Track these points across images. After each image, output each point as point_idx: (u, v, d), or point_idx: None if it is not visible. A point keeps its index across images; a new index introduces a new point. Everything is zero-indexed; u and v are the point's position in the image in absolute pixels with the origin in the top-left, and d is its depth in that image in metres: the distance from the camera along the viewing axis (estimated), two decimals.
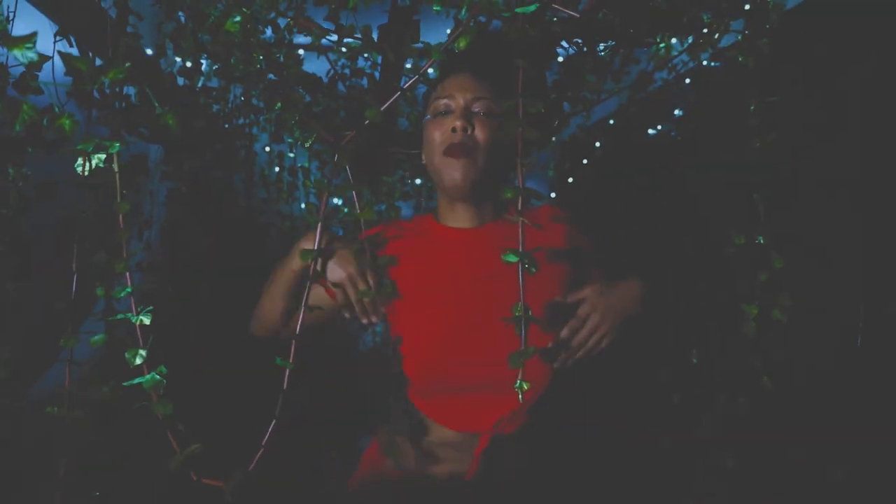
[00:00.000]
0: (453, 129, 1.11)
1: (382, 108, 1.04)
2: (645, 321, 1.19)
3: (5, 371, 0.93)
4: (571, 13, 0.94)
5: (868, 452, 1.30)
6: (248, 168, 2.63)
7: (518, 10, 0.86)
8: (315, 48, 1.49)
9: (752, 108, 1.46)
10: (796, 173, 1.46)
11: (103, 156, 0.92)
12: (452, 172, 1.12)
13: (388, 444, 1.19)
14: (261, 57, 1.73)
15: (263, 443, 1.00)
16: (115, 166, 0.92)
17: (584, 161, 2.51)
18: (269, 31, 1.62)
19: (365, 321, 1.16)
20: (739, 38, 1.54)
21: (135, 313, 0.96)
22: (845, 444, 1.31)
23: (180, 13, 1.76)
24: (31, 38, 0.71)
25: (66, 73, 0.78)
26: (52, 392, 1.18)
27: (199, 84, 2.05)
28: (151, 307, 0.98)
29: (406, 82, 1.06)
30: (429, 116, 1.17)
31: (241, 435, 1.10)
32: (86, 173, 0.96)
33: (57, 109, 0.77)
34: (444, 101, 1.14)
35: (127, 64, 0.89)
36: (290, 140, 2.48)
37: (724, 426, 1.41)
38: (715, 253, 1.58)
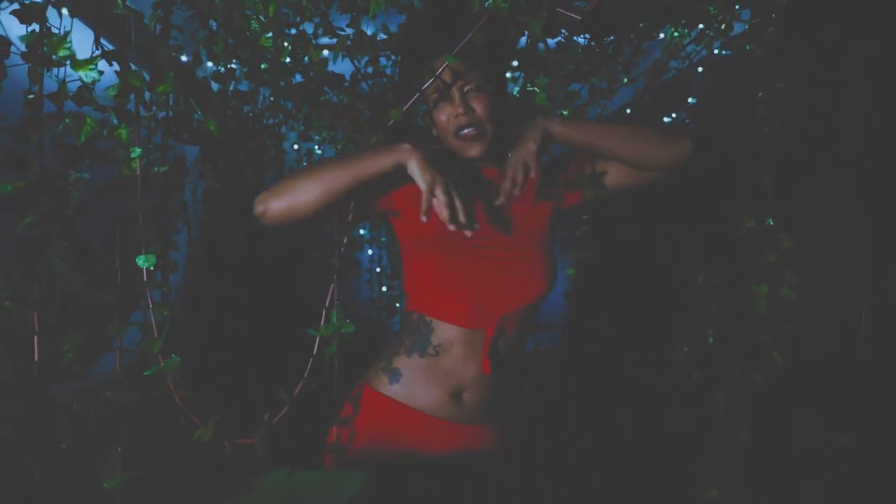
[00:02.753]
0: (457, 115, 1.24)
1: (405, 108, 1.15)
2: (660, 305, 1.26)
3: (74, 354, 1.04)
4: (574, 16, 1.01)
5: (872, 420, 1.35)
6: (278, 166, 2.74)
7: (532, 25, 0.94)
8: (340, 48, 1.57)
9: (759, 94, 1.51)
10: (803, 157, 1.50)
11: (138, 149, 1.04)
12: (469, 151, 1.26)
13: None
14: (287, 60, 1.83)
15: (294, 395, 1.12)
16: (163, 168, 1.03)
17: None
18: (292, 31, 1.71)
19: (454, 226, 1.17)
20: (747, 27, 1.59)
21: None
22: (851, 413, 1.37)
23: (212, 21, 1.86)
24: (93, 60, 0.81)
25: (121, 88, 0.88)
26: (108, 376, 1.30)
27: (231, 87, 2.16)
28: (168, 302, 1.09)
29: (424, 85, 1.15)
30: (429, 105, 1.30)
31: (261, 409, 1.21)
32: (129, 173, 1.08)
33: (115, 122, 0.87)
34: (437, 89, 1.26)
35: (171, 74, 0.99)
36: (318, 138, 2.58)
37: (739, 400, 1.47)
38: (726, 235, 1.63)
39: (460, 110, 1.23)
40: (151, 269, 1.14)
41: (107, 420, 1.17)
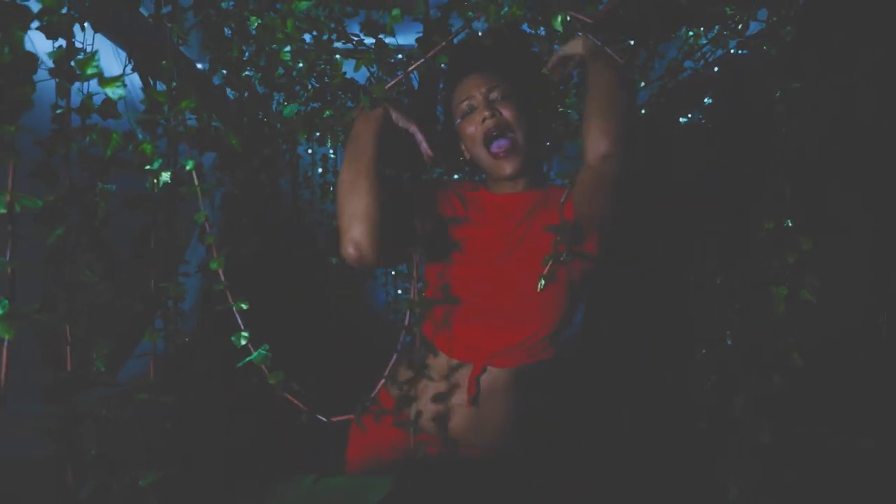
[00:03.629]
0: (483, 119, 1.25)
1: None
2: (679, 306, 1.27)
3: (103, 363, 1.06)
4: (586, 20, 1.02)
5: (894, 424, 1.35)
6: (292, 170, 2.76)
7: (554, 22, 0.95)
8: (356, 55, 1.59)
9: (777, 94, 1.50)
10: (822, 157, 1.50)
11: (169, 173, 1.07)
12: (504, 168, 1.27)
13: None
14: (300, 65, 1.85)
15: (385, 373, 1.21)
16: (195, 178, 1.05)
17: None
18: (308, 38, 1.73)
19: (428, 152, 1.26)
20: (763, 26, 1.59)
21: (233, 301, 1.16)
22: (874, 416, 1.36)
23: (226, 28, 1.88)
24: (120, 77, 0.83)
25: (145, 104, 0.90)
26: (136, 380, 1.32)
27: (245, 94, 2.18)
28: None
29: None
30: (458, 120, 1.31)
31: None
32: (157, 187, 1.10)
33: (140, 136, 0.89)
34: (466, 102, 1.28)
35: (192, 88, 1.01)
36: (331, 145, 2.60)
37: (759, 403, 1.47)
38: (745, 237, 1.62)
39: (486, 113, 1.24)
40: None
41: (133, 424, 1.20)
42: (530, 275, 1.25)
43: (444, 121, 1.47)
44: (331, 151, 2.78)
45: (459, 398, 1.27)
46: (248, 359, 1.12)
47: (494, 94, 1.26)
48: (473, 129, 1.27)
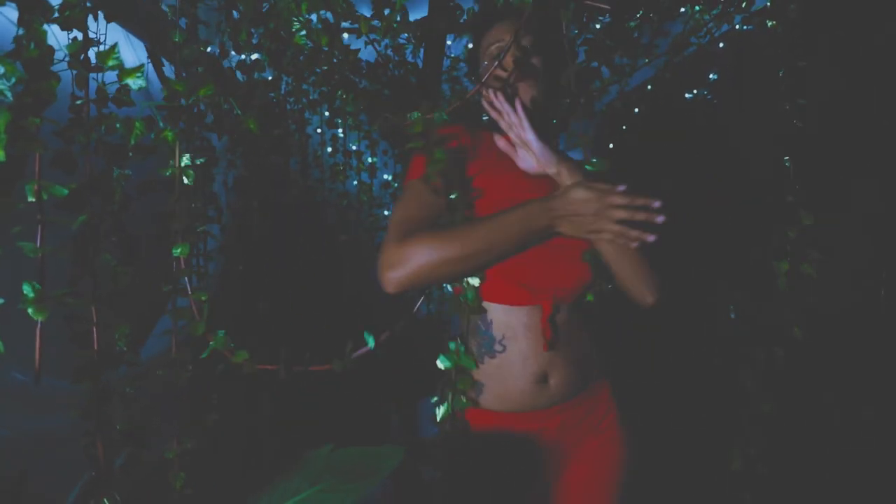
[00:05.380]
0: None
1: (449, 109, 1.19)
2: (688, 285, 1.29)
3: (126, 343, 1.11)
4: (602, 6, 1.03)
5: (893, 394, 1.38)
6: (301, 151, 2.79)
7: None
8: (366, 30, 1.60)
9: (780, 72, 1.51)
10: (824, 134, 1.51)
11: (187, 157, 1.10)
12: (522, 86, 1.22)
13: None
14: (309, 45, 1.86)
15: (381, 339, 1.21)
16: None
17: (623, 127, 2.57)
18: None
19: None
20: (768, 3, 1.59)
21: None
22: (874, 387, 1.39)
23: (235, 12, 1.90)
24: (140, 69, 0.86)
25: (164, 93, 0.93)
26: (156, 358, 1.36)
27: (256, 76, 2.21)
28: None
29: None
30: (485, 63, 1.28)
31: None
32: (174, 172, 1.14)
33: (161, 124, 0.92)
34: (495, 45, 1.25)
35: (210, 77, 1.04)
36: (341, 123, 2.62)
37: (762, 375, 1.51)
38: (748, 212, 1.65)
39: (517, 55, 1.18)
40: (185, 257, 1.22)
41: (156, 400, 1.25)
42: None
43: (469, 69, 1.46)
44: (340, 132, 2.80)
45: (530, 345, 1.21)
46: (210, 348, 1.17)
47: (526, 40, 1.22)
48: (496, 49, 1.24)
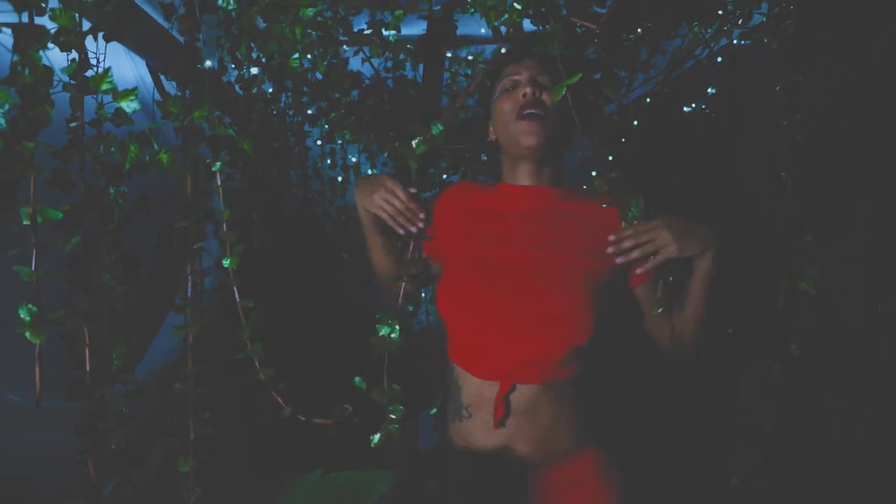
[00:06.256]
0: (524, 95, 1.22)
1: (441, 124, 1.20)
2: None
3: (121, 362, 1.11)
4: (590, 25, 1.03)
5: (889, 413, 1.37)
6: (301, 162, 2.79)
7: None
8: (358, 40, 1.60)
9: (777, 88, 1.51)
10: (823, 150, 1.51)
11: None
12: (528, 137, 1.21)
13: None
14: (308, 56, 1.87)
15: (366, 373, 1.21)
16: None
17: (623, 140, 2.57)
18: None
19: (404, 231, 1.31)
20: (765, 19, 1.59)
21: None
22: (869, 405, 1.39)
23: (234, 27, 1.91)
24: (133, 91, 0.86)
25: (162, 116, 0.94)
26: (154, 373, 1.36)
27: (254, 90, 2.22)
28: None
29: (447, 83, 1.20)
30: (497, 95, 1.28)
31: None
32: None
33: (156, 147, 0.93)
34: (512, 78, 1.25)
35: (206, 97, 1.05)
36: (340, 141, 2.63)
37: (760, 392, 1.50)
38: (747, 228, 1.64)
39: (528, 90, 1.20)
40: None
41: (149, 419, 1.25)
42: (559, 277, 1.21)
43: (477, 99, 1.45)
44: (339, 144, 2.80)
45: (486, 419, 1.21)
46: (243, 354, 1.19)
47: (542, 78, 1.23)
48: (510, 103, 1.24)
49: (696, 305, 1.24)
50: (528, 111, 1.20)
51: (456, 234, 1.33)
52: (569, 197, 1.30)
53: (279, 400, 1.22)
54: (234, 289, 1.30)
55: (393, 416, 1.15)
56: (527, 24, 1.23)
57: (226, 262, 1.29)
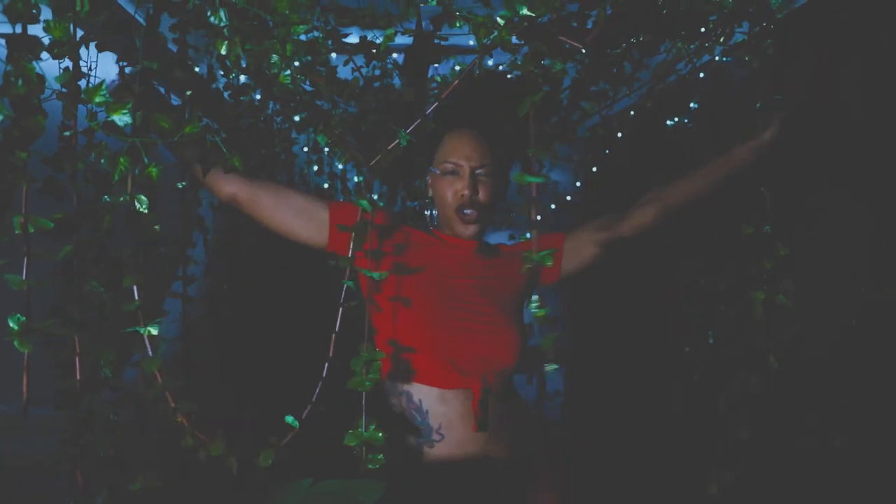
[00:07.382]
0: (462, 196, 1.34)
1: (408, 131, 1.22)
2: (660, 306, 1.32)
3: (111, 370, 1.11)
4: (576, 44, 1.06)
5: (864, 423, 1.41)
6: (288, 169, 2.80)
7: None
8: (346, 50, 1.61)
9: (758, 106, 1.55)
10: (802, 166, 1.55)
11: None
12: (466, 228, 1.38)
13: None
14: (296, 63, 1.87)
15: (313, 399, 1.12)
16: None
17: (607, 151, 2.61)
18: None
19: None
20: (745, 38, 1.63)
21: (143, 325, 1.06)
22: (844, 416, 1.43)
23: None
24: (126, 105, 0.87)
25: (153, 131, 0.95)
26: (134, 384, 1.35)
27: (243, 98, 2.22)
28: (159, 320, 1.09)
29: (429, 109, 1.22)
30: (437, 171, 1.38)
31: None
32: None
33: (146, 160, 0.94)
34: (452, 164, 1.35)
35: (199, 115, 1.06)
36: (326, 150, 2.64)
37: (739, 402, 1.53)
38: (727, 242, 1.68)
39: (467, 192, 1.33)
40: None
41: (137, 426, 1.25)
42: (499, 295, 1.38)
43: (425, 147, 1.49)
44: (325, 153, 2.81)
45: (461, 428, 1.27)
46: (156, 388, 1.08)
47: (480, 171, 1.35)
48: (451, 193, 1.36)
49: (716, 175, 1.45)
50: (467, 209, 1.35)
51: (400, 262, 1.36)
52: (490, 250, 1.46)
53: (200, 436, 1.09)
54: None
55: (370, 467, 1.02)
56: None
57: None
